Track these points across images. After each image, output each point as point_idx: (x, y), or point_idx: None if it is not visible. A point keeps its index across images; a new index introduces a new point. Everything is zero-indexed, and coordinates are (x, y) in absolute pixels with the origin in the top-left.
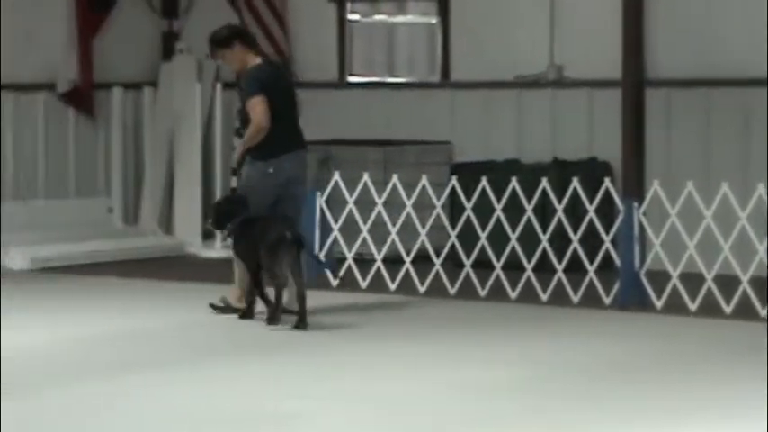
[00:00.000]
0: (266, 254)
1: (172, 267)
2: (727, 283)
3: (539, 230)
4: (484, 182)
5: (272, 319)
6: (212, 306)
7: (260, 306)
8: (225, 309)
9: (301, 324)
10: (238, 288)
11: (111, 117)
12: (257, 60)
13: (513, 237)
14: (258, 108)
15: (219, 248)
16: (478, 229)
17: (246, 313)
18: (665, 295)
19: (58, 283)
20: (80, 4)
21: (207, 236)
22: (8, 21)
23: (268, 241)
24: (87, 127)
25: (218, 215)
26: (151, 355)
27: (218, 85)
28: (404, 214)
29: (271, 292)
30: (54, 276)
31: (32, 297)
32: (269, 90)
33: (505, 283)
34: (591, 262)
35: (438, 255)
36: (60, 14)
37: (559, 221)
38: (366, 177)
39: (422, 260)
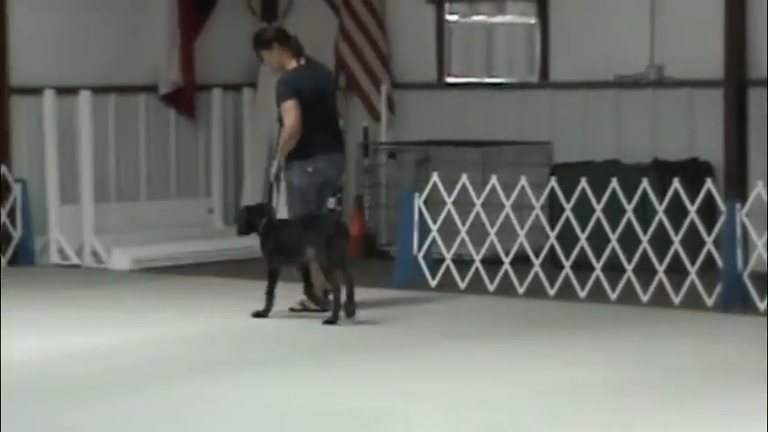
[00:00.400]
0: (319, 251)
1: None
2: None
3: (639, 231)
4: (583, 182)
5: (334, 318)
6: (291, 309)
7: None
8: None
9: (351, 314)
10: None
11: (211, 118)
12: (294, 63)
13: (613, 238)
14: (291, 113)
15: None
16: (578, 230)
17: (262, 313)
18: None
19: (159, 284)
20: (182, 6)
21: None
22: (111, 24)
23: (319, 239)
24: (188, 128)
25: (241, 222)
26: (247, 354)
27: None
28: (502, 215)
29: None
30: (155, 277)
31: (134, 297)
32: (303, 94)
33: (605, 284)
34: (692, 263)
35: (537, 256)
36: (162, 17)
37: (660, 222)
38: (464, 178)
39: (521, 261)
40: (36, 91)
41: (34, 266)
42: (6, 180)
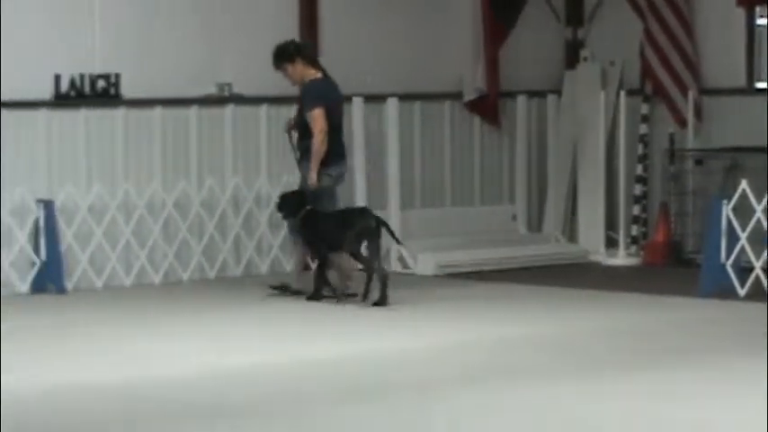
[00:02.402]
0: (354, 242)
1: (574, 275)
2: None
3: None
4: None
5: (381, 301)
6: (273, 288)
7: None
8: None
9: (382, 303)
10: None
11: (515, 125)
12: (314, 74)
13: None
14: (320, 121)
15: (623, 256)
16: None
17: (314, 296)
18: None
19: (462, 289)
20: (486, 13)
21: (611, 244)
22: (417, 31)
23: (355, 231)
24: (492, 135)
25: (285, 205)
26: (547, 363)
27: (622, 93)
28: None
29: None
30: (459, 282)
31: (438, 302)
32: (327, 102)
33: None
34: None
35: None
36: (467, 24)
37: None
38: None
39: None
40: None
41: None
42: None
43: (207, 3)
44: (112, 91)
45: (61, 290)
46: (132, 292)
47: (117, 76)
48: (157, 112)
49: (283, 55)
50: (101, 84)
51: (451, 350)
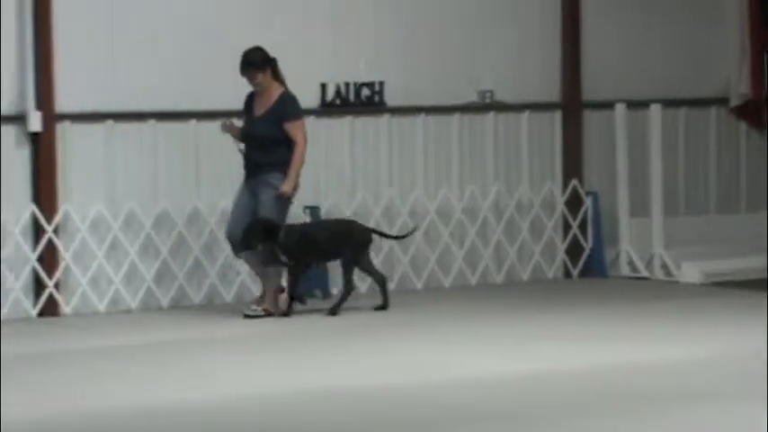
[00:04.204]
0: (357, 253)
1: None
2: None
3: None
4: None
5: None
6: (247, 316)
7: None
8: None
9: (385, 307)
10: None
11: None
12: (281, 86)
13: None
14: (304, 130)
15: None
16: None
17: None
18: None
19: (728, 298)
20: (752, 18)
21: None
22: (682, 37)
23: (356, 243)
24: (759, 141)
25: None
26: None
27: None
28: None
29: None
30: (725, 291)
31: (704, 311)
32: None
33: None
34: None
35: None
36: (733, 29)
37: None
38: None
39: None
40: (607, 105)
41: (605, 278)
42: (578, 193)
43: (469, 10)
44: (376, 99)
45: (326, 295)
46: (395, 297)
47: (381, 84)
48: (420, 119)
49: (254, 63)
50: (365, 92)
51: (714, 359)
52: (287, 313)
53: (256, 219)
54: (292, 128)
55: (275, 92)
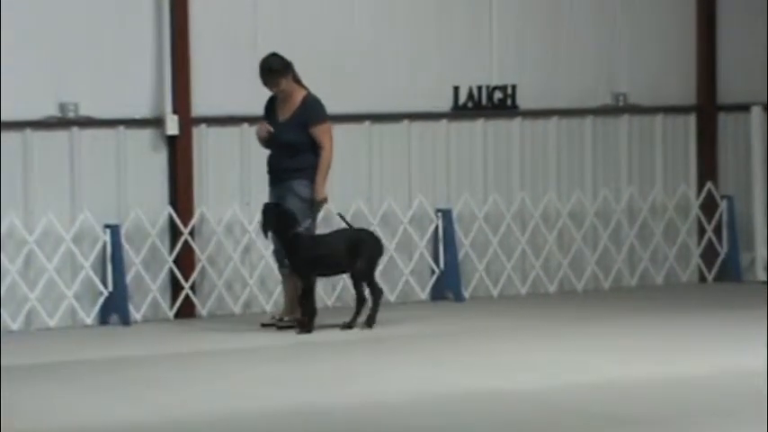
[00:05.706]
0: (367, 266)
1: None
2: None
3: None
4: None
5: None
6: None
7: None
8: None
9: (370, 324)
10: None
11: None
12: (303, 90)
13: None
14: (330, 134)
15: None
16: None
17: (308, 327)
18: None
19: None
20: None
21: None
22: None
23: (368, 255)
24: None
25: (264, 219)
26: None
27: None
28: None
29: None
30: None
31: None
32: None
33: None
34: None
35: None
36: None
37: None
38: None
39: None
40: (743, 107)
41: (740, 283)
42: (713, 196)
43: (604, 13)
44: (509, 102)
45: (459, 298)
46: (527, 301)
47: (513, 87)
48: (553, 122)
49: (277, 70)
50: (497, 95)
51: None
52: (309, 329)
53: (275, 204)
54: (318, 132)
55: (298, 95)
